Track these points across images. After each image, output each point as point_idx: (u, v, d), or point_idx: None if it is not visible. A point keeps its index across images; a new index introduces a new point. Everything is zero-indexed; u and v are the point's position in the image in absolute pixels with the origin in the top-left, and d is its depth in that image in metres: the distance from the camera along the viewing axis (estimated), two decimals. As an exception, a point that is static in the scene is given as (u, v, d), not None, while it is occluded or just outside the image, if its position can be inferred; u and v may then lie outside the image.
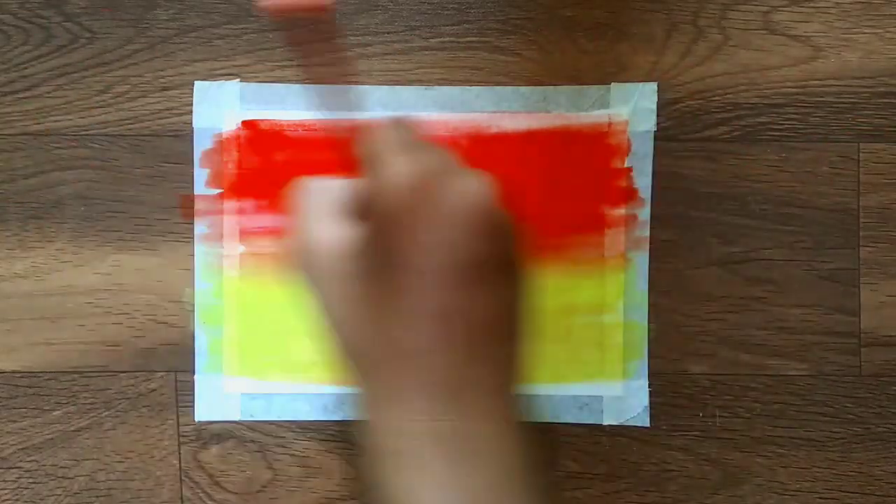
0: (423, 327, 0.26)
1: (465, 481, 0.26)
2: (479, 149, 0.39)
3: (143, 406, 0.39)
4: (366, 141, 0.27)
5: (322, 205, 0.29)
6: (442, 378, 0.26)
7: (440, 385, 0.26)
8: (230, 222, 0.39)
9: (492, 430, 0.27)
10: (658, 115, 0.39)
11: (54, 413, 0.39)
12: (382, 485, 0.27)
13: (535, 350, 0.39)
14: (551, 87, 0.39)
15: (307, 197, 0.29)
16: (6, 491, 0.39)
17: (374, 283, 0.27)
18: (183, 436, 0.39)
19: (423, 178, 0.27)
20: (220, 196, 0.39)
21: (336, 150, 0.27)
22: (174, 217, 0.39)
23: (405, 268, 0.26)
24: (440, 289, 0.26)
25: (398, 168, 0.27)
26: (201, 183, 0.39)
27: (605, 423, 0.38)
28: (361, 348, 0.27)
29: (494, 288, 0.27)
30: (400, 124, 0.29)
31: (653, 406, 0.38)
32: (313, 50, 0.25)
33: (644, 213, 0.39)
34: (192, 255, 0.39)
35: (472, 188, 0.27)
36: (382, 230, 0.26)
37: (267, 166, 0.39)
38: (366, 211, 0.27)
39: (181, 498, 0.39)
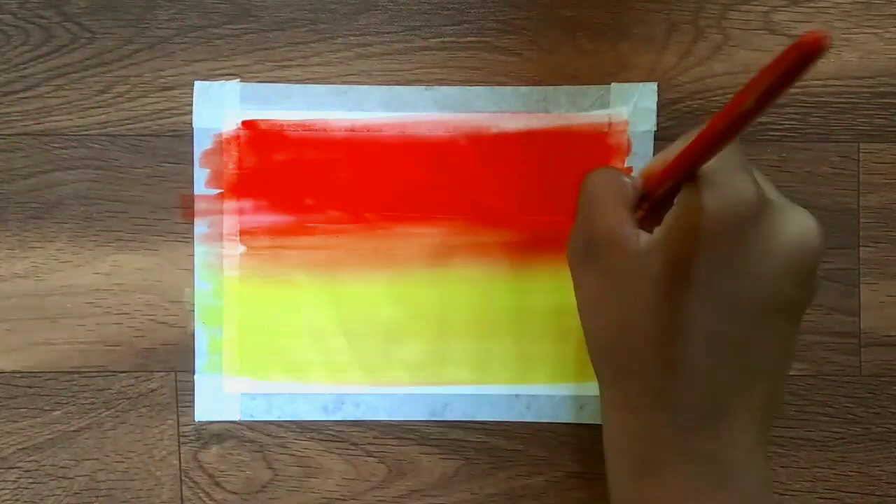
0: (705, 349, 0.26)
1: (711, 499, 0.26)
2: (479, 149, 0.39)
3: (143, 406, 0.39)
4: (704, 155, 0.26)
5: (619, 196, 0.28)
6: (706, 401, 0.26)
7: (702, 407, 0.26)
8: (230, 222, 0.39)
9: (743, 460, 0.26)
10: (658, 115, 0.39)
11: (54, 413, 0.39)
12: (618, 487, 0.27)
13: (534, 350, 0.39)
14: (551, 87, 0.39)
15: (601, 185, 0.29)
16: (6, 491, 0.39)
17: (664, 288, 0.26)
18: (183, 436, 0.39)
19: (758, 206, 0.26)
20: (220, 196, 0.39)
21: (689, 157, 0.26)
22: (174, 217, 0.39)
23: (708, 286, 0.26)
24: (736, 317, 0.26)
25: (747, 187, 0.26)
26: (201, 183, 0.39)
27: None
28: (627, 348, 0.27)
29: (783, 329, 0.27)
30: (739, 152, 0.28)
31: (653, 406, 0.38)
32: None
33: (644, 213, 0.38)
34: (192, 255, 0.39)
35: (804, 228, 0.27)
36: (695, 241, 0.26)
37: (267, 166, 0.39)
38: (666, 214, 0.27)
39: (181, 498, 0.39)
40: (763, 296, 0.26)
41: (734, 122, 0.23)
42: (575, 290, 0.29)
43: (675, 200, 0.28)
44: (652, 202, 0.29)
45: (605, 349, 0.28)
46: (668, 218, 0.27)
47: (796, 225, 0.27)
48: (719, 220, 0.26)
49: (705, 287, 0.26)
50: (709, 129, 0.25)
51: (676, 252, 0.26)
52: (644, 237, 0.27)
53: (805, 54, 0.20)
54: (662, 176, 0.28)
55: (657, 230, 0.27)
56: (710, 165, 0.26)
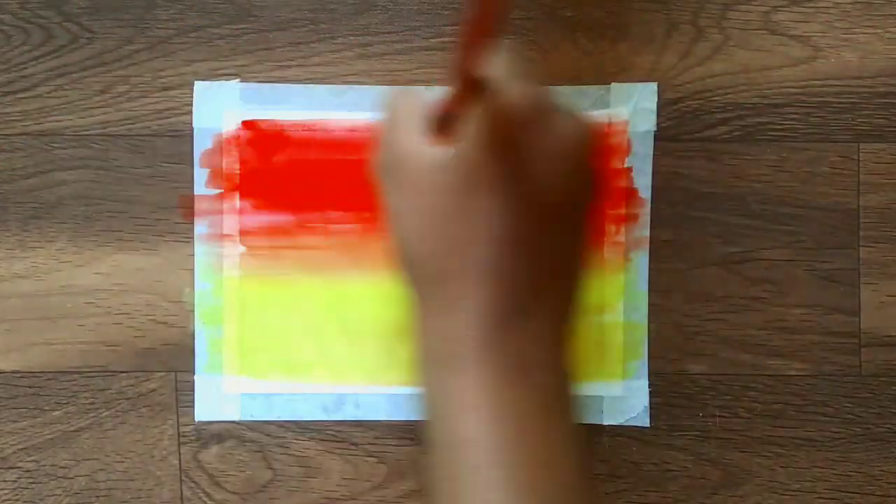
0: (500, 251, 0.27)
1: (511, 391, 0.27)
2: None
3: (143, 406, 0.39)
4: (475, 58, 0.27)
5: (412, 114, 0.29)
6: (502, 300, 0.27)
7: (500, 306, 0.27)
8: (230, 222, 0.39)
9: (544, 355, 0.27)
10: (658, 115, 0.39)
11: (54, 413, 0.39)
12: (427, 386, 0.28)
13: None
14: (551, 87, 0.39)
15: (398, 105, 0.30)
16: (6, 491, 0.39)
17: (459, 198, 0.27)
18: (183, 436, 0.39)
19: (537, 108, 0.27)
20: (220, 196, 0.39)
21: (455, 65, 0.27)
22: (174, 217, 0.39)
23: (500, 191, 0.27)
24: (528, 218, 0.27)
25: (520, 91, 0.27)
26: (201, 183, 0.39)
27: (605, 423, 0.38)
28: (430, 258, 0.28)
29: (573, 228, 0.28)
30: (517, 58, 0.29)
31: (653, 406, 0.38)
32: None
33: (644, 213, 0.39)
34: (192, 255, 0.39)
35: (582, 128, 0.28)
36: (486, 149, 0.27)
37: (267, 166, 0.39)
38: (459, 127, 0.27)
39: (181, 498, 0.39)
40: (552, 195, 0.27)
41: (479, 24, 0.24)
42: (381, 203, 0.30)
43: (470, 112, 0.28)
44: (455, 112, 0.30)
45: (411, 258, 0.29)
46: (461, 130, 0.28)
47: (577, 126, 0.28)
48: (505, 127, 0.27)
49: (499, 192, 0.27)
50: (462, 34, 0.26)
51: (470, 161, 0.27)
52: (441, 150, 0.28)
53: None
54: (452, 86, 0.29)
55: (454, 142, 0.28)
56: (495, 75, 0.27)
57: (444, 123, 0.28)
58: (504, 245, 0.27)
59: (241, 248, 0.39)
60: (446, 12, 0.39)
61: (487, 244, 0.27)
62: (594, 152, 0.28)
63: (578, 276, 0.30)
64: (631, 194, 0.39)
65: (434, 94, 0.29)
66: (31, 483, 0.39)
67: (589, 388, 0.38)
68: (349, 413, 0.39)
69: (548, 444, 0.27)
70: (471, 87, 0.27)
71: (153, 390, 0.39)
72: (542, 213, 0.27)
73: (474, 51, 0.26)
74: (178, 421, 0.39)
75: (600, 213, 0.38)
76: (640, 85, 0.39)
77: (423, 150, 0.28)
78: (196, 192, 0.39)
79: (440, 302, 0.28)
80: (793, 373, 0.39)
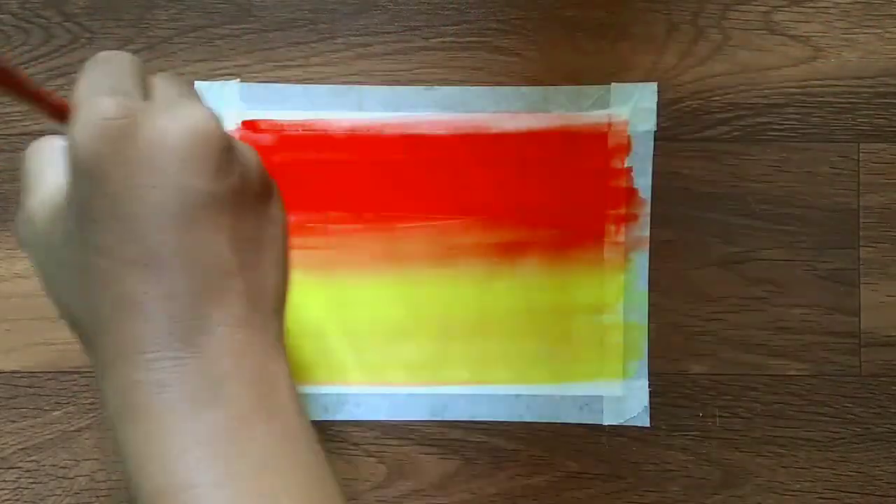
0: (142, 277, 0.24)
1: (209, 415, 0.24)
2: (479, 149, 0.39)
3: (143, 406, 0.39)
4: (75, 88, 0.25)
5: (42, 164, 0.27)
6: (168, 325, 0.24)
7: (168, 333, 0.24)
8: (230, 222, 0.39)
9: (229, 368, 0.25)
10: (658, 115, 0.39)
11: (54, 413, 0.39)
12: (124, 445, 0.25)
13: (533, 350, 0.39)
14: (551, 87, 0.39)
15: (31, 159, 0.27)
16: (6, 491, 0.38)
17: (82, 238, 0.24)
18: (183, 436, 0.39)
19: (125, 118, 0.24)
20: (220, 196, 0.39)
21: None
22: (174, 217, 0.39)
23: (112, 216, 0.24)
24: (155, 234, 0.24)
25: (94, 108, 0.24)
26: (201, 183, 0.39)
27: (605, 423, 0.38)
28: (83, 312, 0.25)
29: (225, 224, 0.25)
30: (111, 62, 0.26)
31: (653, 406, 0.38)
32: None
33: (644, 213, 0.39)
34: (192, 255, 0.38)
35: (189, 123, 0.24)
36: (84, 177, 0.24)
37: (267, 166, 0.39)
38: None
39: (181, 498, 0.39)
40: (173, 201, 0.24)
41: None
42: (37, 275, 0.27)
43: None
44: None
45: (71, 319, 0.26)
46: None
47: (179, 122, 0.24)
48: (88, 149, 0.24)
49: (112, 219, 0.24)
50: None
51: (74, 199, 0.25)
52: (53, 195, 0.26)
53: None
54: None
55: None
56: (72, 102, 0.25)
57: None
58: (142, 270, 0.24)
59: (241, 248, 0.39)
60: (446, 12, 0.39)
61: (126, 275, 0.24)
62: (219, 133, 0.25)
63: (267, 264, 0.27)
64: (631, 194, 0.39)
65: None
66: (31, 483, 0.39)
67: (589, 388, 0.38)
68: (350, 413, 0.39)
69: (266, 448, 0.25)
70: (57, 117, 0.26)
71: (153, 390, 0.39)
72: (183, 219, 0.24)
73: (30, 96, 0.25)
74: (178, 421, 0.39)
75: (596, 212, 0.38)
76: (640, 85, 0.39)
77: (45, 198, 0.26)
78: (196, 192, 0.38)
79: (107, 355, 0.25)
80: (793, 373, 0.39)
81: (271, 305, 0.27)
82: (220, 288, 0.25)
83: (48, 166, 0.27)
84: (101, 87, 0.25)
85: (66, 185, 0.25)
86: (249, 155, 0.26)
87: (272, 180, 0.27)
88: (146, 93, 0.26)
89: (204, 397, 0.24)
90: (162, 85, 0.27)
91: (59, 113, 0.26)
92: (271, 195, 0.27)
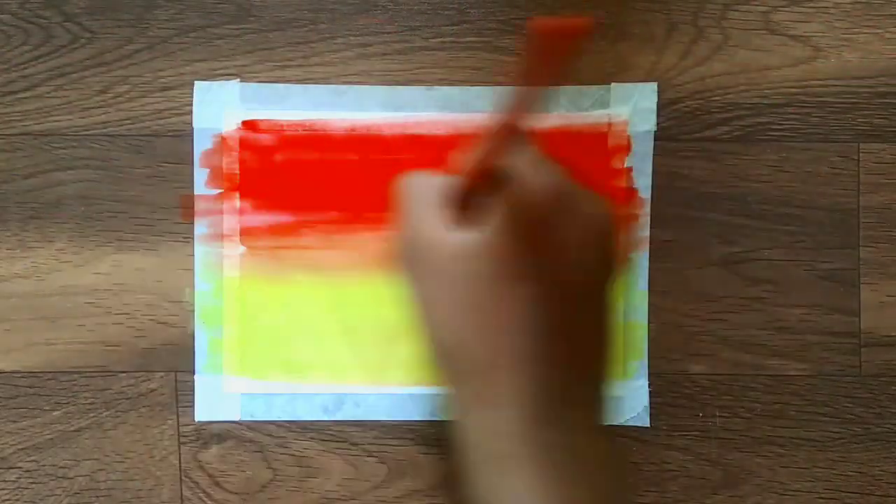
0: (536, 340, 0.26)
1: (560, 492, 0.26)
2: (479, 149, 0.39)
3: (143, 406, 0.39)
4: (502, 147, 0.27)
5: (431, 201, 0.29)
6: (544, 390, 0.26)
7: (541, 396, 0.26)
8: (230, 222, 0.39)
9: (592, 444, 0.27)
10: (658, 115, 0.39)
11: (54, 413, 0.39)
12: (473, 485, 0.27)
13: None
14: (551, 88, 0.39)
15: (415, 191, 0.29)
16: (6, 491, 0.39)
17: (488, 288, 0.27)
18: (183, 436, 0.39)
19: (561, 194, 0.27)
20: (220, 196, 0.39)
21: (454, 147, 0.27)
22: (174, 217, 0.39)
23: (530, 279, 0.26)
24: (561, 304, 0.27)
25: (544, 179, 0.27)
26: (201, 183, 0.39)
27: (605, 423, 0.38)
28: (463, 350, 0.27)
29: (600, 309, 0.28)
30: (538, 147, 0.29)
31: (653, 406, 0.38)
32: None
33: (644, 213, 0.39)
34: (192, 255, 0.39)
35: (603, 211, 0.28)
36: (514, 237, 0.26)
37: (267, 166, 0.39)
38: (480, 213, 0.27)
39: (181, 498, 0.39)
40: (578, 276, 0.27)
41: (512, 120, 0.25)
42: (407, 295, 0.29)
43: (493, 199, 0.28)
44: (474, 199, 0.29)
45: (444, 351, 0.28)
46: (488, 216, 0.28)
47: (600, 208, 0.28)
48: (532, 214, 0.27)
49: (530, 279, 0.27)
50: (497, 122, 0.26)
51: (497, 249, 0.27)
52: (467, 237, 0.27)
53: (541, 40, 0.21)
54: (474, 172, 0.29)
55: (479, 229, 0.28)
56: (515, 161, 0.28)
57: (465, 209, 0.28)
58: (538, 332, 0.26)
59: (241, 249, 0.39)
60: (446, 12, 0.39)
61: (521, 333, 0.26)
62: (615, 233, 0.28)
63: (606, 357, 0.29)
64: (631, 194, 0.39)
65: (448, 180, 0.29)
66: (31, 483, 0.39)
67: (589, 388, 0.38)
68: (349, 413, 0.39)
69: None
70: (493, 175, 0.28)
71: (153, 390, 0.39)
72: (570, 297, 0.27)
73: (502, 141, 0.26)
74: (178, 421, 0.39)
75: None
76: (640, 85, 0.39)
77: (447, 238, 0.28)
78: (196, 192, 0.39)
79: (479, 396, 0.27)
80: (793, 373, 0.39)
81: (607, 391, 0.29)
82: (585, 367, 0.28)
83: (430, 200, 0.29)
84: (542, 157, 0.28)
85: (479, 229, 0.27)
86: (617, 253, 0.29)
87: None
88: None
89: (559, 469, 0.26)
90: (558, 166, 0.30)
91: (492, 171, 0.28)
92: (612, 288, 0.30)
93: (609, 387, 0.29)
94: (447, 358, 0.28)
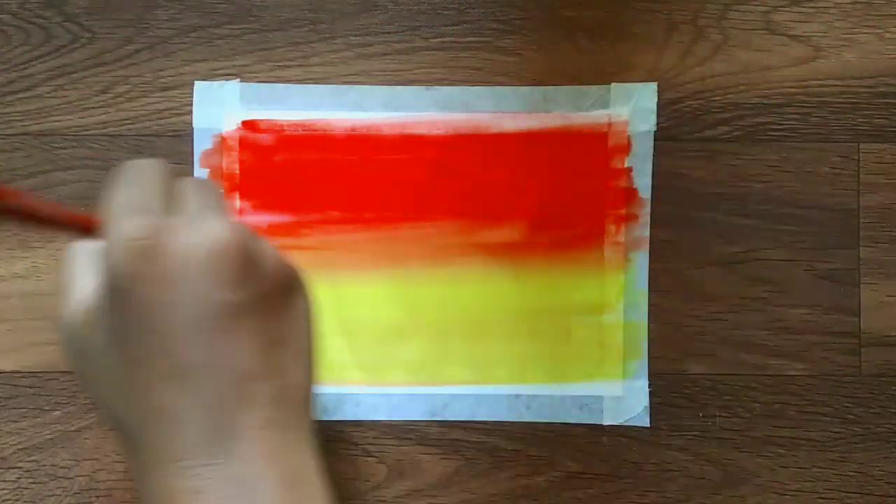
0: (172, 388, 0.25)
1: None
2: (479, 149, 0.39)
3: (143, 406, 0.39)
4: (104, 203, 0.27)
5: (77, 269, 0.28)
6: (200, 433, 0.25)
7: (201, 440, 0.25)
8: (230, 222, 0.39)
9: (262, 470, 0.26)
10: (658, 115, 0.39)
11: (54, 413, 0.39)
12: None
13: (533, 350, 0.39)
14: (551, 87, 0.39)
15: (66, 264, 0.28)
16: (6, 491, 0.39)
17: (119, 349, 0.26)
18: (183, 436, 0.39)
19: (150, 237, 0.25)
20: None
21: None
22: (174, 217, 0.39)
23: (141, 330, 0.25)
24: (181, 346, 0.25)
25: (122, 230, 0.26)
26: (201, 183, 0.39)
27: (605, 423, 0.38)
28: (122, 417, 0.27)
29: (248, 330, 0.26)
30: (141, 175, 0.28)
31: (653, 406, 0.38)
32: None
33: (644, 213, 0.39)
34: (192, 255, 0.38)
35: (209, 237, 0.26)
36: (116, 295, 0.25)
37: (267, 166, 0.39)
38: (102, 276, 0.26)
39: (181, 498, 0.39)
40: (197, 314, 0.25)
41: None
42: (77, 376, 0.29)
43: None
44: None
45: (114, 424, 0.28)
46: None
47: (200, 237, 0.26)
48: (117, 267, 0.25)
49: (141, 333, 0.25)
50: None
51: (105, 312, 0.26)
52: (90, 303, 0.27)
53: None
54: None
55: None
56: (102, 220, 0.27)
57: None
58: (172, 380, 0.25)
59: (241, 248, 0.39)
60: (446, 12, 0.39)
61: (157, 386, 0.25)
62: (238, 244, 0.26)
63: (294, 365, 0.28)
64: (631, 194, 0.39)
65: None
66: (31, 483, 0.39)
67: (589, 388, 0.38)
68: (349, 413, 0.39)
69: None
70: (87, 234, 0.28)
71: (153, 390, 0.39)
72: (211, 330, 0.25)
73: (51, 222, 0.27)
74: (178, 421, 0.39)
75: (597, 215, 0.39)
76: (640, 85, 0.39)
77: (80, 306, 0.27)
78: (196, 192, 0.39)
79: (146, 462, 0.26)
80: (793, 373, 0.39)
81: (299, 403, 0.28)
82: (248, 393, 0.26)
83: (83, 270, 0.28)
84: (130, 206, 0.27)
85: (101, 295, 0.26)
86: (270, 255, 0.27)
87: (294, 271, 0.28)
88: (174, 203, 0.28)
89: (239, 502, 0.25)
90: (189, 194, 0.28)
91: (86, 227, 0.27)
92: (295, 289, 0.28)
93: (304, 402, 0.28)
94: (116, 430, 0.28)
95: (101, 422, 0.28)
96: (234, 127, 0.39)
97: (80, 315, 0.27)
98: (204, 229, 0.26)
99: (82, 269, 0.28)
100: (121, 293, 0.25)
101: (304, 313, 0.29)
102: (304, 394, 0.28)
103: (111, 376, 0.26)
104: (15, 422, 0.39)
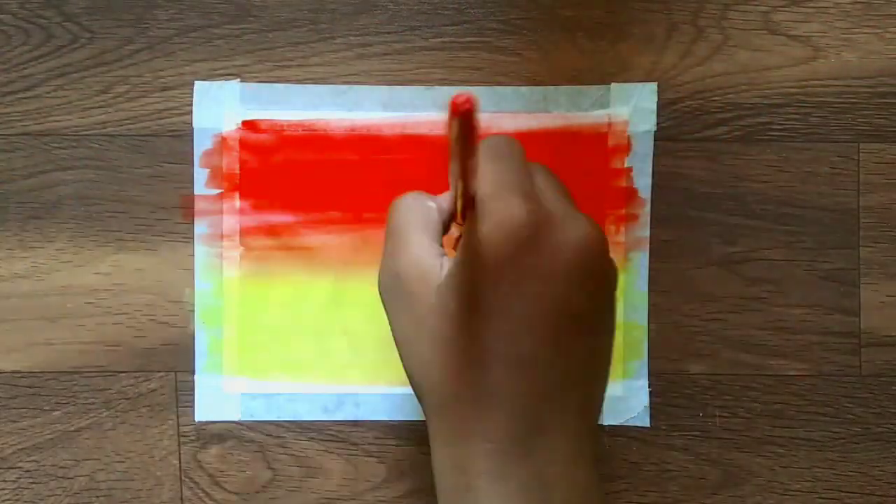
0: (507, 373, 0.26)
1: None
2: (479, 149, 0.39)
3: (143, 406, 0.39)
4: (478, 175, 0.26)
5: (416, 228, 0.28)
6: (516, 423, 0.26)
7: (514, 429, 0.26)
8: (230, 222, 0.39)
9: (567, 476, 0.26)
10: (658, 115, 0.39)
11: (54, 413, 0.39)
12: None
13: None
14: (551, 87, 0.39)
15: (403, 216, 0.29)
16: (6, 491, 0.39)
17: (460, 321, 0.26)
18: (183, 436, 0.39)
19: (533, 226, 0.26)
20: (220, 196, 0.39)
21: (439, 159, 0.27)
22: (174, 217, 0.39)
23: (499, 313, 0.26)
24: (531, 337, 0.26)
25: (510, 212, 0.26)
26: (201, 183, 0.39)
27: (605, 423, 0.38)
28: (435, 385, 0.27)
29: (584, 337, 0.27)
30: (511, 155, 0.28)
31: (653, 406, 0.38)
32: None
33: (644, 213, 0.39)
34: (192, 255, 0.39)
35: (582, 237, 0.26)
36: (481, 271, 0.26)
37: (267, 166, 0.39)
38: (459, 244, 0.27)
39: (181, 498, 0.39)
40: (554, 311, 0.26)
41: (459, 152, 0.24)
42: (389, 323, 0.29)
43: (463, 229, 0.27)
44: (459, 223, 0.29)
45: (418, 385, 0.28)
46: (458, 249, 0.27)
47: (573, 235, 0.26)
48: (496, 248, 0.26)
49: (497, 315, 0.26)
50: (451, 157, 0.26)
51: (465, 284, 0.26)
52: (436, 268, 0.27)
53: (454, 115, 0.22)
54: (452, 199, 0.28)
55: (450, 262, 0.27)
56: (482, 192, 0.27)
57: (447, 237, 0.28)
58: (506, 367, 0.26)
59: (241, 249, 0.39)
60: (446, 12, 0.39)
61: (487, 367, 0.26)
62: (604, 253, 0.27)
63: (593, 386, 0.28)
64: (631, 194, 0.39)
65: (440, 204, 0.28)
66: (31, 483, 0.39)
67: (589, 388, 0.38)
68: (349, 413, 0.39)
69: None
70: (470, 204, 0.27)
71: (153, 390, 0.39)
72: (546, 331, 0.26)
73: (465, 169, 0.26)
74: (178, 421, 0.39)
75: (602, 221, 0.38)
76: (640, 85, 0.39)
77: (432, 266, 0.27)
78: (196, 193, 0.39)
79: (450, 430, 0.27)
80: (793, 373, 0.39)
81: (596, 415, 0.29)
82: (563, 397, 0.27)
83: (418, 227, 0.28)
84: (511, 186, 0.27)
85: (452, 262, 0.26)
86: (615, 266, 0.28)
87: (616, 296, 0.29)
88: (536, 186, 0.28)
89: (534, 497, 0.26)
90: (542, 181, 0.29)
91: (468, 201, 0.27)
92: (615, 308, 0.29)
93: (598, 414, 0.29)
94: (421, 394, 0.28)
95: (408, 375, 0.28)
96: (234, 127, 0.39)
97: (415, 270, 0.27)
98: (577, 227, 0.27)
99: (416, 225, 0.28)
100: (487, 270, 0.26)
101: (612, 330, 0.29)
102: (600, 405, 0.29)
103: (435, 339, 0.26)
104: (15, 422, 0.39)
